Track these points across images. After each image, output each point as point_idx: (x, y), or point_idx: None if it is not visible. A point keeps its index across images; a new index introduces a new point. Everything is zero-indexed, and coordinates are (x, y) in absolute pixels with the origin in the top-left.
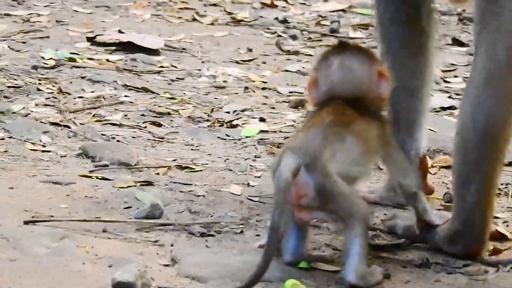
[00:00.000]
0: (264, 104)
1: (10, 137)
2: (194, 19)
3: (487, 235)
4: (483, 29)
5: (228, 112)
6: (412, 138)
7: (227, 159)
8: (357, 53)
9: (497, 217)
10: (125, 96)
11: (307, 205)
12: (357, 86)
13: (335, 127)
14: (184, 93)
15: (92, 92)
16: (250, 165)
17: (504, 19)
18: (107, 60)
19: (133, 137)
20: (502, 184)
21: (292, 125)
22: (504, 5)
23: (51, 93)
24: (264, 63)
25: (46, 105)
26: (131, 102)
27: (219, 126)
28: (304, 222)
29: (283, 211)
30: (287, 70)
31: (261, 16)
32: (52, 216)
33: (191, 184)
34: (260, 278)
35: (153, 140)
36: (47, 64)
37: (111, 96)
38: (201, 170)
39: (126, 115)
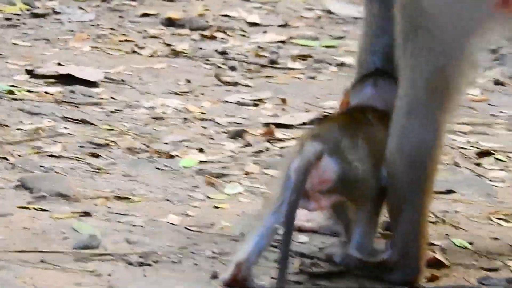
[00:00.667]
0: (203, 135)
1: None
2: (134, 51)
3: (422, 263)
4: (403, 54)
5: (167, 143)
6: None
7: (166, 189)
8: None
9: (435, 244)
10: (64, 128)
11: (328, 191)
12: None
13: (349, 125)
14: (123, 125)
15: (31, 124)
16: (189, 195)
17: (420, 44)
18: (46, 92)
19: (72, 169)
20: (439, 211)
21: (231, 155)
22: (420, 30)
23: None
24: (203, 94)
25: None
26: (70, 133)
27: (158, 157)
28: (320, 208)
29: (298, 198)
30: (226, 101)
31: (200, 48)
32: None
33: (129, 215)
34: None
35: (92, 171)
36: None
37: (49, 128)
38: (139, 201)
39: (64, 147)
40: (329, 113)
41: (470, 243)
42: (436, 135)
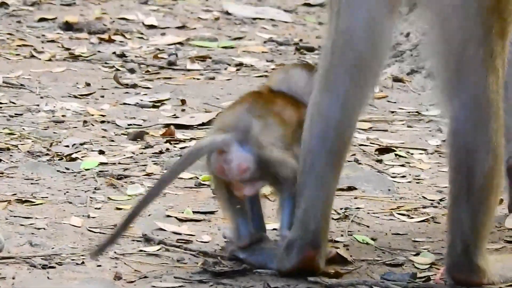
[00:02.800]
0: (103, 137)
1: None
2: (32, 56)
3: (322, 241)
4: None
5: (67, 146)
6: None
7: (67, 191)
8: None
9: (338, 241)
10: None
11: (249, 179)
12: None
13: (259, 106)
14: (23, 128)
15: None
16: (90, 197)
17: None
18: None
19: None
20: (341, 208)
21: (131, 157)
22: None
23: None
24: (103, 97)
25: None
26: None
27: (59, 159)
28: (247, 196)
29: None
30: (125, 103)
31: (99, 51)
32: None
33: (32, 218)
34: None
35: None
36: None
37: None
38: (41, 204)
39: None
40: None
41: (373, 239)
42: (347, 113)
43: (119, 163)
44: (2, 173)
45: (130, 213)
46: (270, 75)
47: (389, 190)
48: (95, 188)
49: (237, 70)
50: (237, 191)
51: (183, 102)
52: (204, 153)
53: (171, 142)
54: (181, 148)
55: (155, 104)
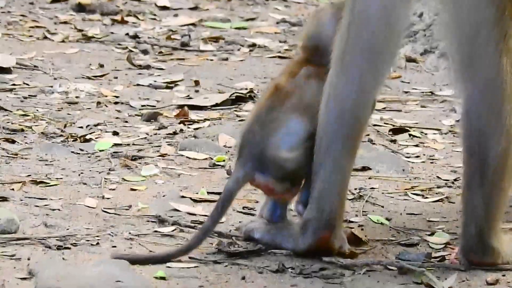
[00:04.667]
0: (117, 118)
1: None
2: (45, 37)
3: (337, 222)
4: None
5: (81, 127)
6: None
7: (82, 173)
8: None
9: (352, 221)
10: None
11: (283, 190)
12: None
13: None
14: (37, 110)
15: None
16: (105, 178)
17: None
18: None
19: None
20: (355, 188)
21: (145, 138)
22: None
23: None
24: (116, 78)
25: None
26: None
27: (73, 141)
28: (288, 199)
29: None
30: (139, 84)
31: (112, 32)
32: None
33: (46, 199)
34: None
35: (7, 156)
36: None
37: None
38: (56, 185)
39: None
40: (242, 93)
41: (388, 219)
42: (363, 95)
43: (133, 144)
44: (16, 155)
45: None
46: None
47: (403, 170)
48: (109, 169)
49: (250, 51)
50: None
51: (197, 83)
52: (236, 194)
53: (185, 123)
54: (194, 129)
55: (169, 85)
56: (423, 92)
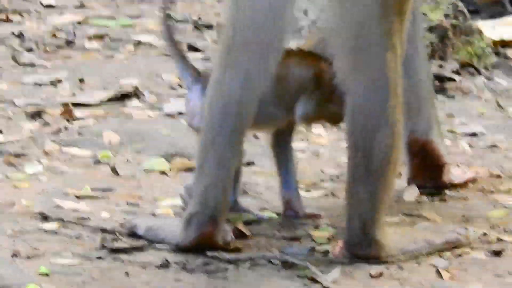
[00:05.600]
0: (1, 116)
1: None
2: None
3: (221, 217)
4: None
5: None
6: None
7: None
8: None
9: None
10: None
11: None
12: None
13: None
14: None
15: None
16: None
17: None
18: None
19: None
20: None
21: (30, 136)
22: None
23: None
24: (0, 76)
25: None
26: None
27: None
28: None
29: None
30: (23, 83)
31: None
32: None
33: None
34: None
35: None
36: None
37: None
38: None
39: None
40: (127, 91)
41: (274, 214)
42: (248, 90)
43: (18, 141)
44: None
45: None
46: None
47: None
48: None
49: (136, 48)
50: None
51: (81, 80)
52: None
53: (70, 120)
54: (79, 126)
55: (53, 82)
56: None
